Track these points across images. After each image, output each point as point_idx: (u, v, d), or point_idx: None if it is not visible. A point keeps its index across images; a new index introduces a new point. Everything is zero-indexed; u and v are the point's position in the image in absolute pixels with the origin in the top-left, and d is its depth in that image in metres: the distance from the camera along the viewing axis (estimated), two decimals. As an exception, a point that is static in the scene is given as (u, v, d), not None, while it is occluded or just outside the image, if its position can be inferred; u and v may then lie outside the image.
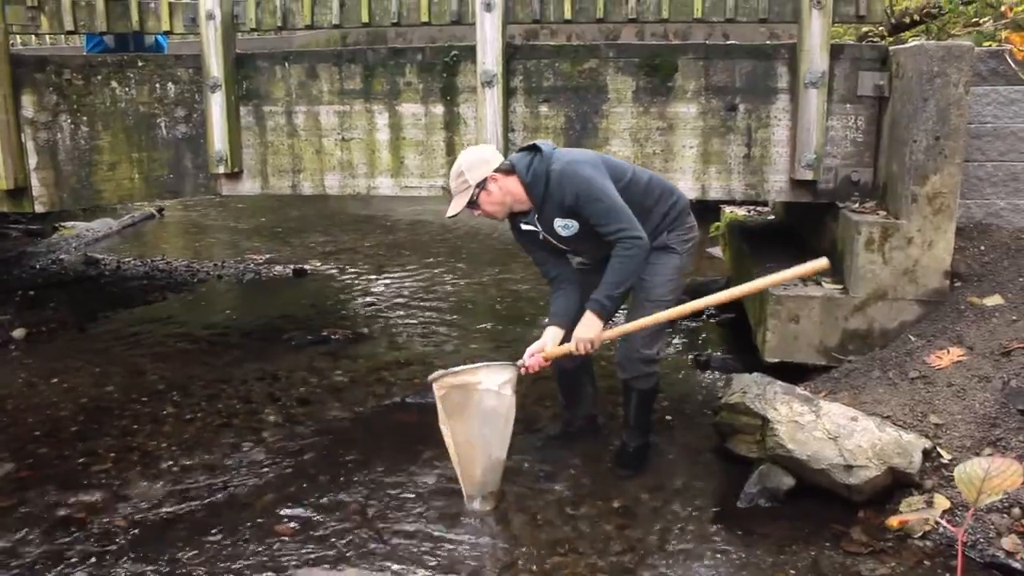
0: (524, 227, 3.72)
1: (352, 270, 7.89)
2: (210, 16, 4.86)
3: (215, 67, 4.93)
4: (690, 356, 5.38)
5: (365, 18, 4.89)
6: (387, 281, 7.44)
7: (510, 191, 3.57)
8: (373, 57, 4.97)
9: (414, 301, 6.76)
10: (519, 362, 3.68)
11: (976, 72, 4.25)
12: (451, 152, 4.90)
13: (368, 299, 6.89)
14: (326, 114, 5.05)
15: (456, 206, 3.57)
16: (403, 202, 10.84)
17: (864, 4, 4.57)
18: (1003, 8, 9.72)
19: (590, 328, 3.56)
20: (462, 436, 3.59)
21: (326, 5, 4.91)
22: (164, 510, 3.59)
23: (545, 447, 4.13)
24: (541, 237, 3.72)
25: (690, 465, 3.94)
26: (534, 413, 4.50)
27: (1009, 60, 2.26)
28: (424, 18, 4.84)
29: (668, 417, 4.44)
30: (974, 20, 10.22)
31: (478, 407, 3.57)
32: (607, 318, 3.58)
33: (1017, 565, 3.03)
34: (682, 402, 4.63)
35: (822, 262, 3.40)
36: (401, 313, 6.45)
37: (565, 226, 3.62)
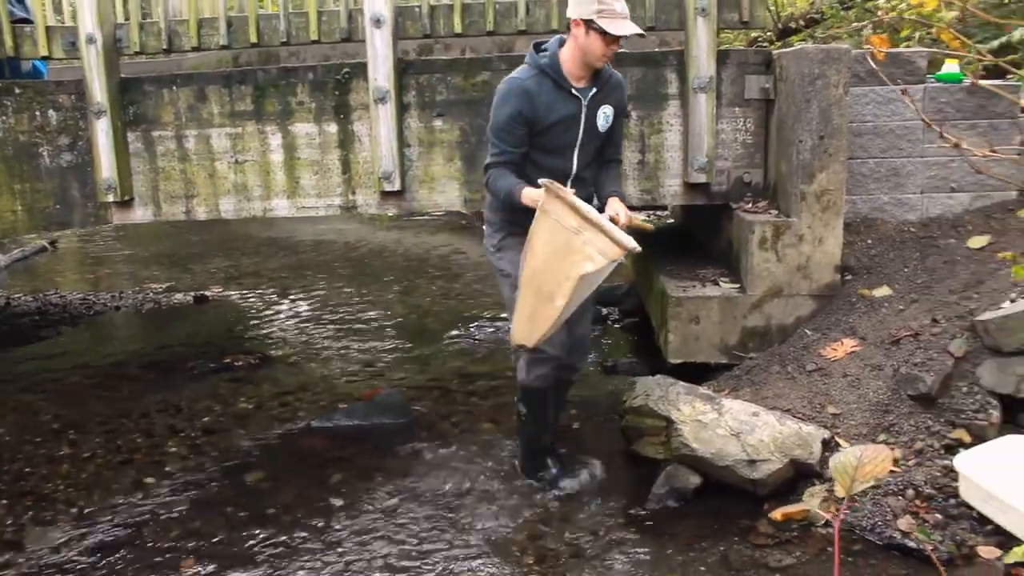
0: (568, 104, 3.50)
1: (255, 294, 7.73)
2: (91, 40, 4.71)
3: (99, 92, 4.78)
4: (596, 362, 5.42)
5: (254, 38, 4.82)
6: (291, 303, 7.32)
7: (591, 48, 3.41)
8: (263, 77, 4.90)
9: (319, 322, 6.67)
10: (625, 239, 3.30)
11: (855, 73, 4.40)
12: (347, 170, 4.85)
13: (272, 323, 6.76)
14: (218, 137, 4.94)
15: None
16: (306, 222, 10.70)
17: (748, 11, 4.70)
18: (880, 13, 10.13)
19: None
20: (539, 263, 3.32)
21: (213, 26, 4.82)
22: (63, 556, 3.45)
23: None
24: (579, 117, 3.53)
25: (600, 471, 3.96)
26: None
27: (871, 61, 2.36)
28: (314, 36, 4.79)
29: (576, 425, 4.47)
30: (855, 25, 10.62)
31: (569, 258, 3.26)
32: None
33: (912, 544, 3.13)
34: (589, 408, 4.66)
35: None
36: (306, 335, 6.35)
37: (606, 118, 3.60)
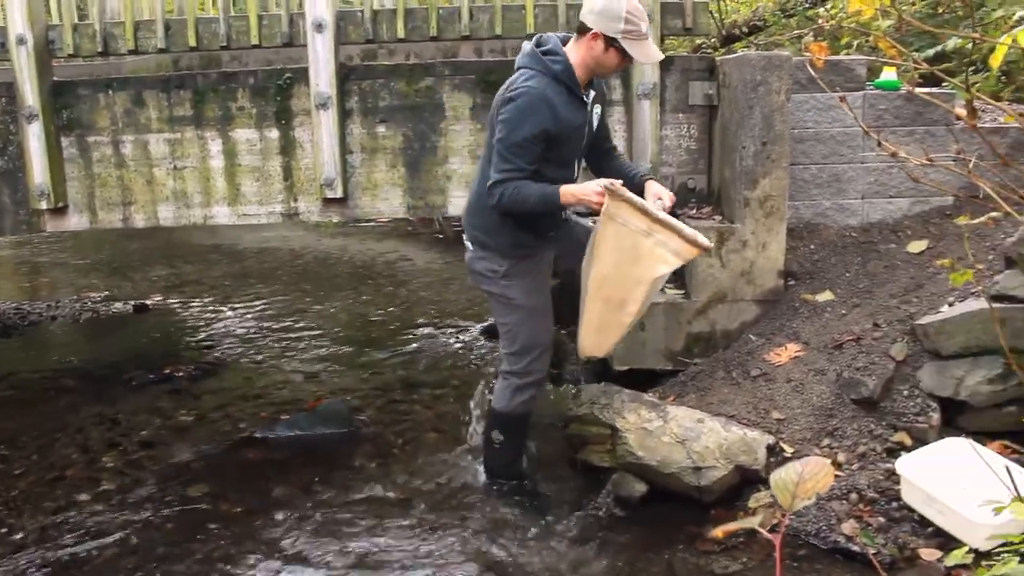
0: (579, 113, 3.40)
1: (197, 303, 7.59)
2: (21, 41, 4.58)
3: (30, 96, 4.64)
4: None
5: (193, 42, 4.72)
6: (234, 312, 7.19)
7: (606, 64, 3.33)
8: (203, 82, 4.80)
9: (262, 331, 6.55)
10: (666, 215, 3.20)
11: (796, 80, 4.44)
12: (288, 177, 4.77)
13: (214, 332, 6.63)
14: (156, 143, 4.83)
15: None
16: (250, 229, 10.53)
17: (691, 17, 4.72)
18: (820, 21, 10.29)
19: None
20: (607, 270, 3.23)
21: (150, 29, 4.72)
22: (-11, 578, 3.34)
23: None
24: (586, 123, 3.46)
25: (545, 480, 3.93)
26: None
27: (810, 69, 2.37)
28: (255, 40, 4.71)
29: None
30: (797, 32, 10.78)
31: (640, 262, 3.17)
32: None
33: (856, 548, 3.15)
34: (534, 415, 4.60)
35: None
36: (248, 345, 6.23)
37: (597, 116, 3.52)
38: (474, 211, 3.63)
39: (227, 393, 5.24)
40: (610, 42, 3.24)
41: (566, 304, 3.85)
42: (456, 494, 3.85)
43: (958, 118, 4.60)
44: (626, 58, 3.28)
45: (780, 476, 1.31)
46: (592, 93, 3.47)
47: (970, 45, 8.78)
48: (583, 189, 3.27)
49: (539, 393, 3.71)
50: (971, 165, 1.72)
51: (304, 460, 4.25)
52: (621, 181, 3.23)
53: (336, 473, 4.10)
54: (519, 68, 3.40)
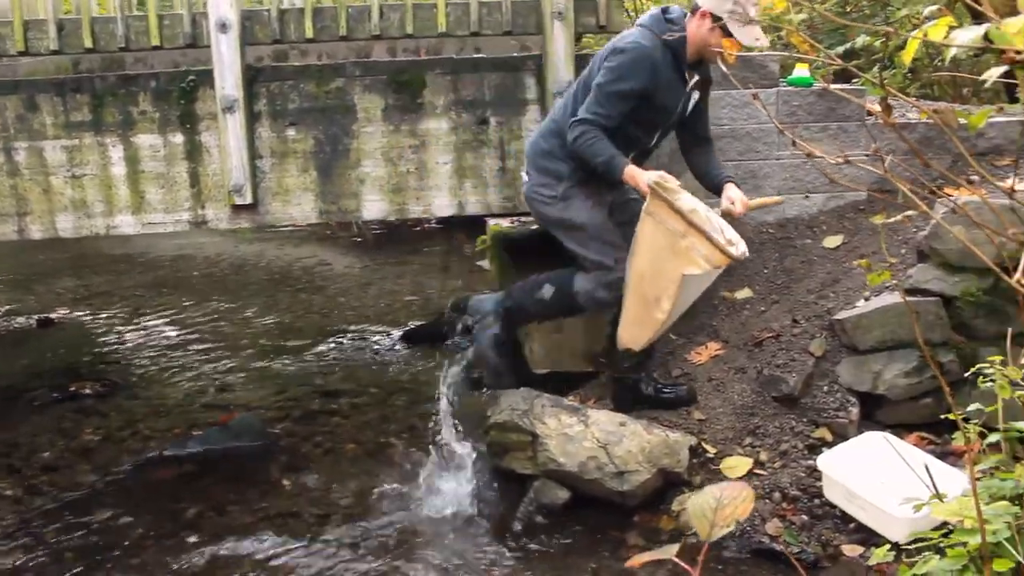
0: (678, 87, 3.51)
1: (107, 315, 7.28)
2: (-102, 45, 4.31)
3: (-88, 103, 4.37)
4: (460, 374, 5.27)
5: (89, 43, 4.49)
6: (146, 324, 6.92)
7: (708, 43, 3.36)
8: (101, 85, 4.57)
9: (174, 343, 6.32)
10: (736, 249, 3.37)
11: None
12: (195, 184, 4.58)
13: (123, 346, 6.37)
14: (52, 149, 4.59)
15: None
16: (164, 237, 10.17)
17: (604, 15, 4.67)
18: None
19: None
20: (644, 266, 3.33)
21: (41, 29, 4.47)
22: None
23: None
24: (681, 102, 3.56)
25: (467, 488, 3.81)
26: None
27: (721, 65, 2.40)
28: (155, 41, 4.50)
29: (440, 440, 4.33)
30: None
31: (674, 260, 3.26)
32: None
33: (779, 548, 3.14)
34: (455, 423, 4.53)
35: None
36: (159, 358, 6.00)
37: (695, 101, 3.60)
38: (543, 134, 3.74)
39: (136, 410, 5.02)
40: (716, 21, 3.32)
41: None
42: (375, 507, 3.73)
43: (870, 114, 4.66)
44: (730, 40, 3.26)
45: (697, 503, 1.25)
46: (696, 77, 3.54)
47: (878, 43, 8.98)
48: (641, 176, 3.37)
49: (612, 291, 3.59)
50: (887, 163, 1.69)
51: (217, 478, 4.09)
52: (677, 181, 3.38)
53: (251, 490, 3.95)
54: (638, 26, 3.52)
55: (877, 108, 1.60)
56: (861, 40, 8.43)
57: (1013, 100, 6.90)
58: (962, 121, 1.56)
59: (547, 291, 3.76)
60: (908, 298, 3.69)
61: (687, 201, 3.33)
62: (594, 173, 3.51)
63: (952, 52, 1.39)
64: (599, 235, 3.63)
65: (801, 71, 4.69)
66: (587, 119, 3.43)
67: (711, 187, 3.77)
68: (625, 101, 3.41)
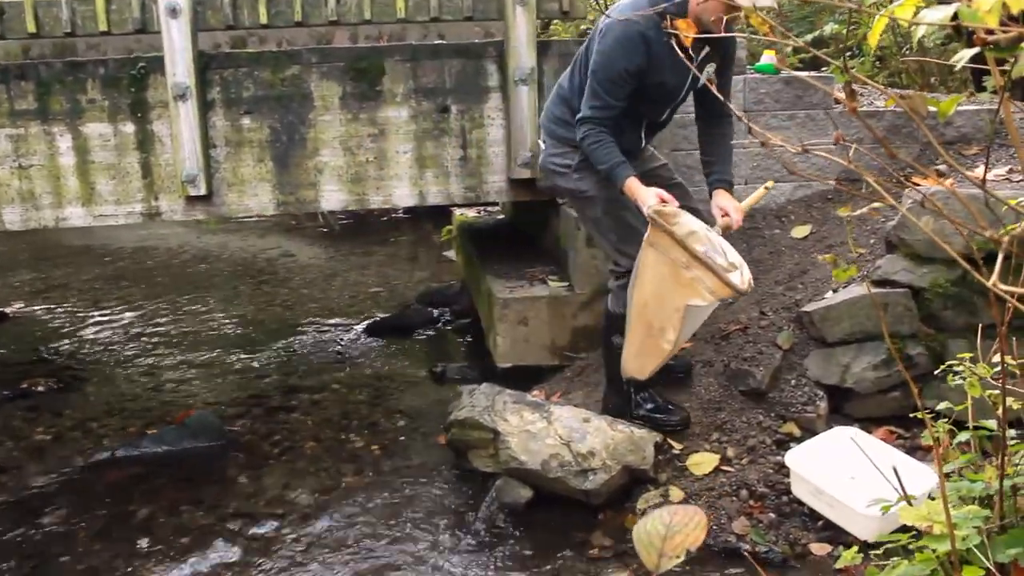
0: (676, 58, 3.23)
1: (64, 309, 7.09)
2: None
3: None
4: (424, 369, 5.18)
5: (32, 27, 4.32)
6: (104, 318, 6.73)
7: (707, 11, 3.05)
8: (47, 72, 4.41)
9: (133, 338, 6.15)
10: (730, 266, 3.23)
11: (675, 64, 4.34)
12: (148, 174, 4.43)
13: (80, 341, 6.19)
14: (-3, 138, 4.43)
15: None
16: (126, 228, 9.97)
17: (568, 0, 4.57)
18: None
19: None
20: (647, 296, 3.24)
21: (-17, 14, 4.31)
22: None
23: None
24: (686, 84, 3.37)
25: (428, 487, 3.74)
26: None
27: (675, 47, 2.30)
28: (103, 27, 4.34)
29: (402, 437, 4.23)
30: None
31: (678, 290, 3.16)
32: None
33: (747, 547, 3.07)
34: (417, 418, 4.43)
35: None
36: (116, 353, 5.83)
37: (708, 74, 3.21)
38: (553, 102, 3.62)
39: (90, 408, 4.87)
40: None
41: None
42: (333, 505, 3.63)
43: (837, 101, 4.59)
44: (728, 7, 3.02)
45: (644, 530, 1.15)
46: (706, 49, 3.27)
47: (846, 31, 8.93)
48: (642, 194, 3.23)
49: None
50: (851, 153, 1.60)
51: (172, 478, 3.95)
52: (677, 203, 3.26)
53: (206, 490, 3.83)
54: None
55: (843, 96, 1.51)
56: (830, 28, 8.38)
57: (981, 89, 6.88)
58: (931, 109, 1.47)
59: (616, 340, 3.52)
60: (877, 289, 3.63)
61: (686, 223, 3.23)
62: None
63: (920, 33, 1.30)
64: (613, 211, 3.46)
65: (768, 58, 4.62)
66: (588, 117, 3.29)
67: (707, 183, 3.56)
68: (621, 86, 3.23)
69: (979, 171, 1.86)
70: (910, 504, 1.95)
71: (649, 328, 3.27)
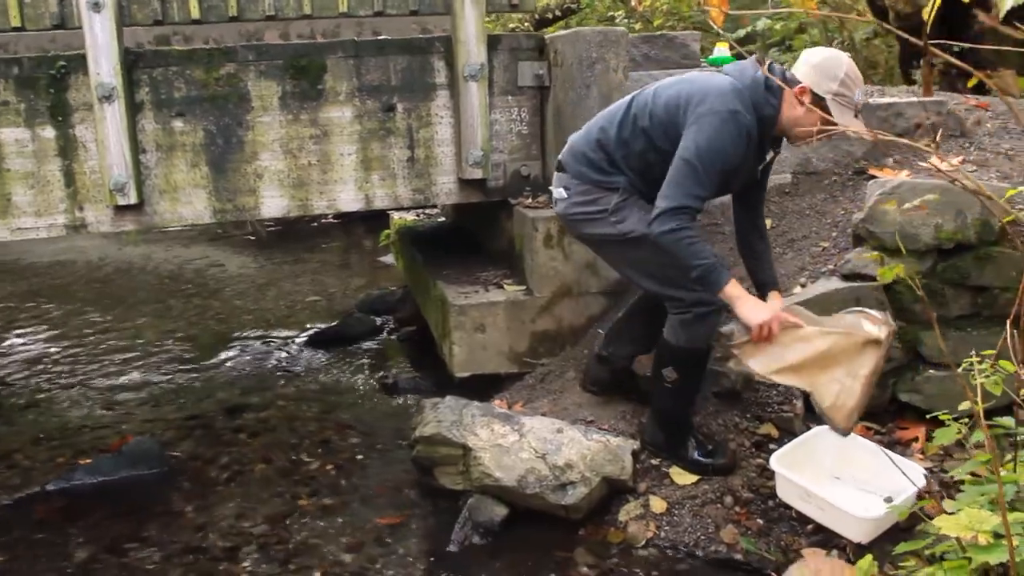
0: (756, 161, 3.17)
1: (-26, 330, 6.65)
2: None
3: None
4: (374, 380, 4.95)
5: (-67, 24, 3.99)
6: (20, 339, 6.32)
7: (801, 124, 3.00)
8: (-47, 74, 4.06)
9: (54, 360, 5.76)
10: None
11: (631, 58, 4.22)
12: (71, 183, 4.12)
13: (-4, 364, 5.79)
14: None
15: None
16: (40, 241, 9.46)
17: (518, -7, 4.42)
18: (633, 3, 10.30)
19: None
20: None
21: None
22: None
23: None
24: (754, 174, 3.22)
25: (393, 509, 3.51)
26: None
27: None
28: (15, 23, 4.03)
29: (359, 455, 4.01)
30: (608, 15, 10.77)
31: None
32: None
33: (739, 557, 2.94)
34: (371, 434, 4.21)
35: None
36: (38, 377, 5.44)
37: (762, 171, 3.23)
38: (588, 144, 3.25)
39: (13, 438, 4.50)
40: (817, 100, 2.93)
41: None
42: (290, 533, 3.38)
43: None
44: (825, 122, 2.87)
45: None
46: (772, 153, 3.20)
47: (777, 26, 8.94)
48: (748, 311, 3.03)
49: (719, 321, 3.16)
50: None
51: (111, 512, 3.64)
52: (793, 318, 3.13)
53: (150, 523, 3.54)
54: (738, 87, 3.00)
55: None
56: (762, 23, 8.39)
57: (910, 81, 6.95)
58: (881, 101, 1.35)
59: (668, 374, 3.25)
60: (847, 283, 3.56)
61: (806, 320, 3.16)
62: (654, 187, 3.05)
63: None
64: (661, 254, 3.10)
65: (721, 50, 4.53)
66: (687, 207, 2.95)
67: (754, 282, 3.40)
68: (719, 173, 2.99)
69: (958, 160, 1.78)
70: (946, 513, 1.83)
71: (832, 381, 3.11)
